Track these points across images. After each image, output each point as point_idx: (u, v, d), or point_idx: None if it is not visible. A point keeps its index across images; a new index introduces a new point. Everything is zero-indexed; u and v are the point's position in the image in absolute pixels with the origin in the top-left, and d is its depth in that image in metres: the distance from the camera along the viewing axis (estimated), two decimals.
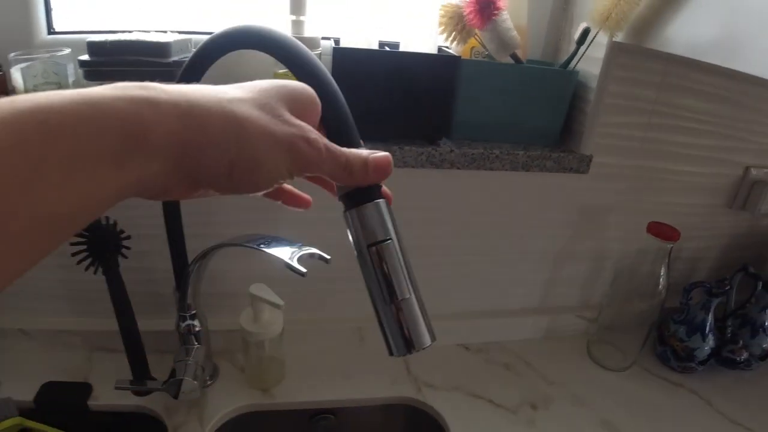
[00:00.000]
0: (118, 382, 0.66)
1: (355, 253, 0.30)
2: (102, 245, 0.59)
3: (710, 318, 0.81)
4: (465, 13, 0.62)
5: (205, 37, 0.33)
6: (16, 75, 0.56)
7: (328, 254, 0.51)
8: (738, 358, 0.85)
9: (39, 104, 0.17)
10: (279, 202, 0.32)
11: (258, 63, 0.57)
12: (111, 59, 0.58)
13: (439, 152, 0.66)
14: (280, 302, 0.64)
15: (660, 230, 0.73)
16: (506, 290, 0.85)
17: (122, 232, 0.61)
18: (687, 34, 0.55)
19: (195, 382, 0.63)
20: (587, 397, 0.77)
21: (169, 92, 0.21)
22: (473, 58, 0.70)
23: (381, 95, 0.63)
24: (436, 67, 0.64)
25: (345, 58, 0.61)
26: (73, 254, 0.57)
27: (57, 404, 0.66)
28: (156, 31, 0.62)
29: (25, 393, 0.65)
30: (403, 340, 0.29)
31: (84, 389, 0.68)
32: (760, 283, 0.82)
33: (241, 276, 0.67)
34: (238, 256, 0.64)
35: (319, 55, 0.66)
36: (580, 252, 0.85)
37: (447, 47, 0.71)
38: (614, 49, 0.66)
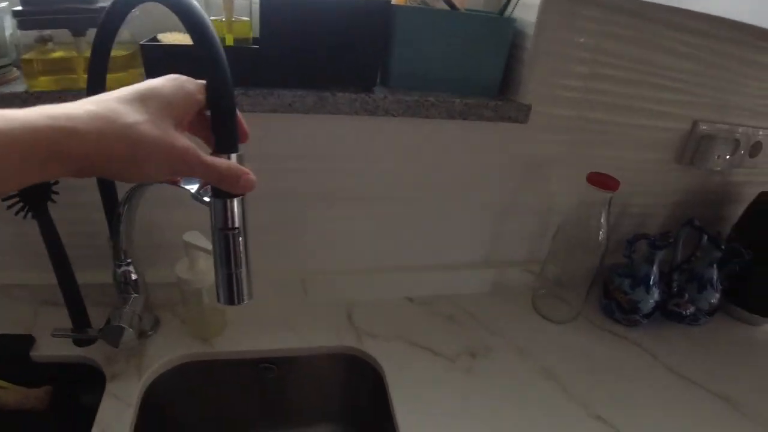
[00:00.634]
0: (55, 330, 0.67)
1: (212, 229, 0.39)
2: (31, 191, 0.60)
3: (655, 271, 0.81)
4: None
5: None
6: None
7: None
8: (684, 312, 0.86)
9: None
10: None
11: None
12: (42, 8, 0.59)
13: (373, 98, 0.66)
14: None
15: (599, 180, 0.73)
16: (451, 244, 0.85)
17: None
18: None
19: (131, 330, 0.64)
20: (529, 347, 0.78)
21: (86, 122, 0.29)
22: (408, 4, 0.69)
23: (312, 42, 0.63)
24: (368, 13, 0.63)
25: (274, 4, 0.61)
26: (5, 199, 0.59)
27: None
28: None
29: None
30: (230, 295, 0.41)
31: (27, 341, 0.69)
32: (706, 236, 0.82)
33: (179, 227, 0.67)
34: (173, 206, 0.64)
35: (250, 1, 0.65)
36: (525, 205, 0.84)
37: None
38: None
